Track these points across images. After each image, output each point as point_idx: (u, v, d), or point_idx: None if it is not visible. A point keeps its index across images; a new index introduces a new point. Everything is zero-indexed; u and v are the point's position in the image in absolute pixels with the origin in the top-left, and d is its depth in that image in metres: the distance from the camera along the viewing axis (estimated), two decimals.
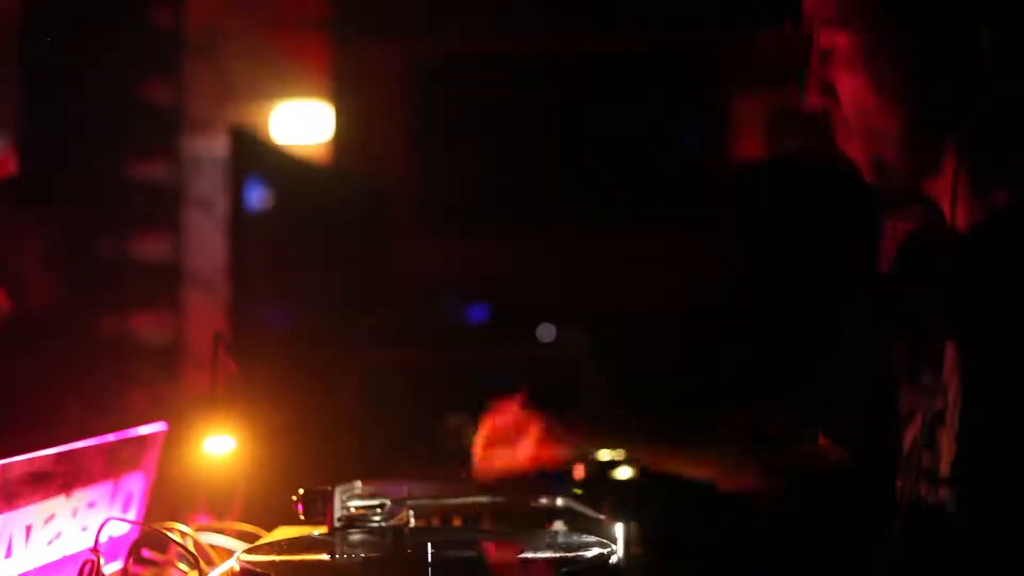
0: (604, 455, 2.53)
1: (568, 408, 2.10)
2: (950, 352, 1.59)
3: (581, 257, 6.57)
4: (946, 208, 1.62)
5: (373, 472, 1.96)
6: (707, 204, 6.56)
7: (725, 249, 5.83)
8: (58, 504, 1.83)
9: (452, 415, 2.96)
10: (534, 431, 2.01)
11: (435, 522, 1.90)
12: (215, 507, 2.13)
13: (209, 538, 1.89)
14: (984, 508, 1.54)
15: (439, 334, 5.40)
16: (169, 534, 1.77)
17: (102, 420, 3.92)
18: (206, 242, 5.29)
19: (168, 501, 2.12)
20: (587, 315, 5.70)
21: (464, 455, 2.64)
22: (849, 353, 1.89)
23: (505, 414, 2.06)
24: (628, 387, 4.49)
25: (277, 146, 6.20)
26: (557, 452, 2.01)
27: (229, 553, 1.89)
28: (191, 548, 1.78)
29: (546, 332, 5.38)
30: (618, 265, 6.52)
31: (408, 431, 3.29)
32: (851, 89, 1.61)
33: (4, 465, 1.65)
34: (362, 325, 5.17)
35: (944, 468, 1.59)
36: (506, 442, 2.03)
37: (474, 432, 2.42)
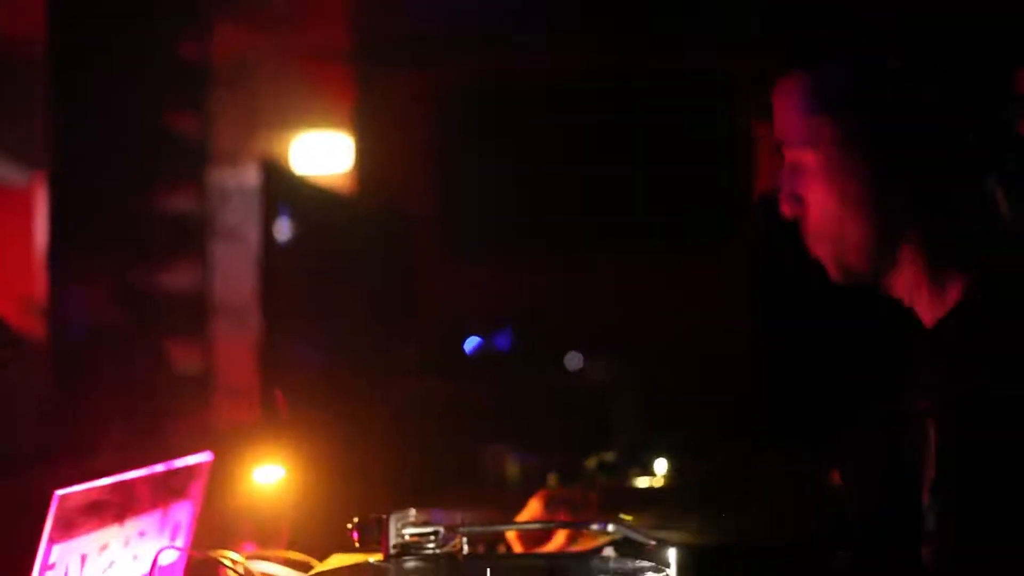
0: (643, 482, 2.55)
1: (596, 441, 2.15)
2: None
3: (607, 284, 6.57)
4: (908, 303, 1.79)
5: (413, 501, 1.98)
6: (738, 229, 6.55)
7: (752, 274, 5.83)
8: (112, 534, 1.84)
9: (490, 444, 2.98)
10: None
11: (480, 549, 1.91)
12: (261, 536, 2.14)
13: (260, 566, 1.90)
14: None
15: (466, 363, 5.41)
16: (223, 562, 1.79)
17: (138, 450, 3.96)
18: (234, 272, 5.32)
19: (214, 530, 2.14)
20: (614, 343, 5.70)
21: (503, 483, 2.66)
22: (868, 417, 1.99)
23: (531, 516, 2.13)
24: (654, 417, 4.51)
25: (305, 177, 6.23)
26: (585, 541, 2.08)
27: None
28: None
29: (573, 360, 5.38)
30: (645, 292, 6.51)
31: (446, 460, 3.30)
32: (818, 200, 1.79)
33: (63, 496, 1.66)
34: (391, 354, 5.18)
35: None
36: (538, 541, 2.10)
37: (512, 461, 2.45)
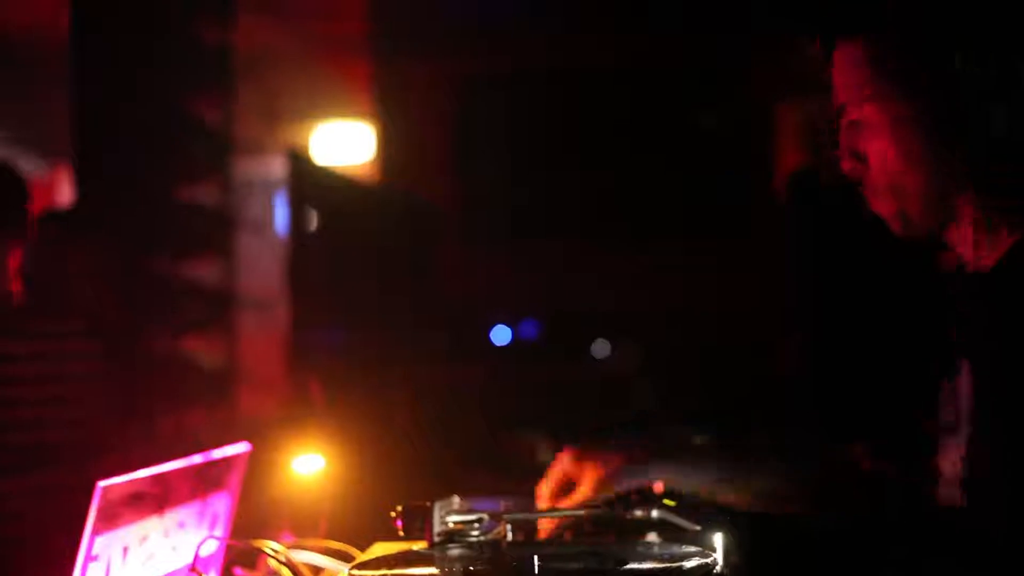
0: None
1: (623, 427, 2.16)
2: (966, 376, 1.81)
3: (631, 271, 6.56)
4: (966, 253, 1.85)
5: (450, 489, 1.97)
6: (758, 213, 6.54)
7: (774, 258, 5.81)
8: (152, 524, 1.84)
9: (523, 431, 2.97)
10: (589, 477, 2.11)
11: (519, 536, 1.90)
12: (299, 526, 2.13)
13: (300, 555, 1.89)
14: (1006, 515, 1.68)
15: (492, 351, 5.40)
16: (265, 551, 1.78)
17: (165, 443, 3.96)
18: (257, 264, 5.31)
19: (252, 521, 2.14)
20: (640, 330, 5.68)
21: (534, 469, 2.64)
22: (892, 365, 2.04)
23: (559, 470, 2.16)
24: (677, 404, 4.49)
25: (329, 167, 6.22)
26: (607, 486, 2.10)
27: (319, 570, 1.91)
28: (285, 565, 1.79)
29: (600, 348, 5.37)
30: (670, 279, 6.50)
31: (477, 447, 3.30)
32: (879, 154, 1.84)
33: (105, 487, 1.66)
34: (416, 343, 5.17)
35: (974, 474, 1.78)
36: (566, 493, 2.12)
37: (546, 447, 2.44)
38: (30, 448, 3.12)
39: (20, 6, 6.51)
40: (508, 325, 5.98)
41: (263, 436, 2.26)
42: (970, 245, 1.84)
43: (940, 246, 1.90)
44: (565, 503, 2.09)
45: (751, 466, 2.17)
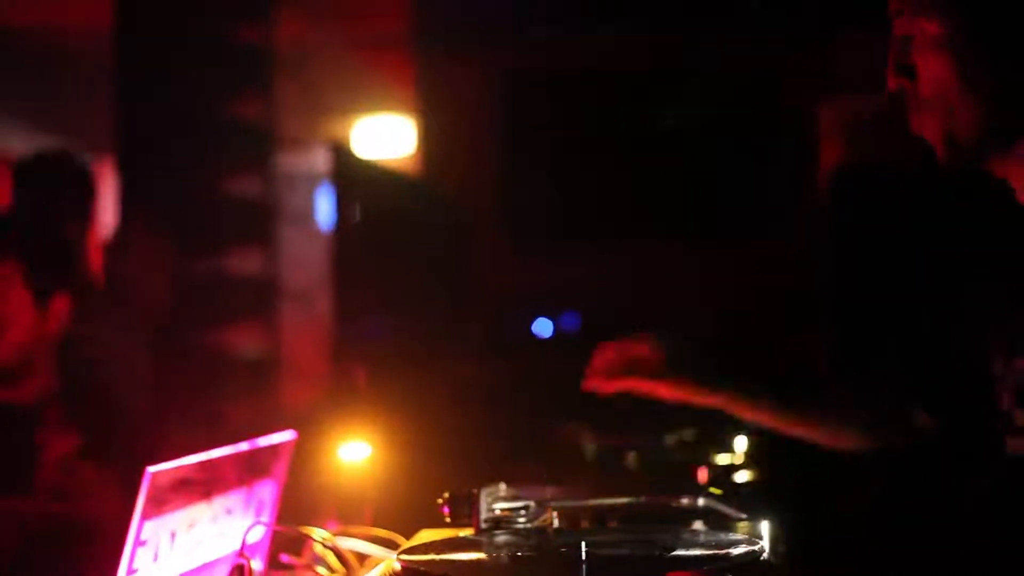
0: (723, 459, 2.54)
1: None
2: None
3: (671, 268, 6.55)
4: (1018, 187, 1.76)
5: (493, 477, 1.97)
6: (796, 213, 6.52)
7: (810, 258, 5.80)
8: (200, 511, 1.85)
9: (565, 421, 2.97)
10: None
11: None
12: (344, 514, 2.14)
13: (346, 542, 1.90)
14: None
15: (533, 343, 5.40)
16: (314, 538, 1.79)
17: (206, 430, 3.99)
18: (300, 256, 5.34)
19: (296, 508, 2.15)
20: (680, 325, 5.65)
21: (580, 461, 2.65)
22: (944, 320, 2.00)
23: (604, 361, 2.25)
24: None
25: (372, 161, 6.24)
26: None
27: (366, 557, 1.91)
28: (331, 551, 1.80)
29: None
30: (708, 276, 6.48)
31: (521, 438, 3.30)
32: (933, 72, 1.73)
33: (155, 473, 1.67)
34: (458, 334, 5.18)
35: None
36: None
37: (589, 439, 2.45)
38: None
39: (65, 6, 6.56)
40: (549, 317, 5.98)
41: (307, 424, 2.27)
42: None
43: (982, 178, 1.82)
44: (620, 382, 2.16)
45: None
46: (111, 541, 1.73)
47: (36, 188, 4.28)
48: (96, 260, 4.33)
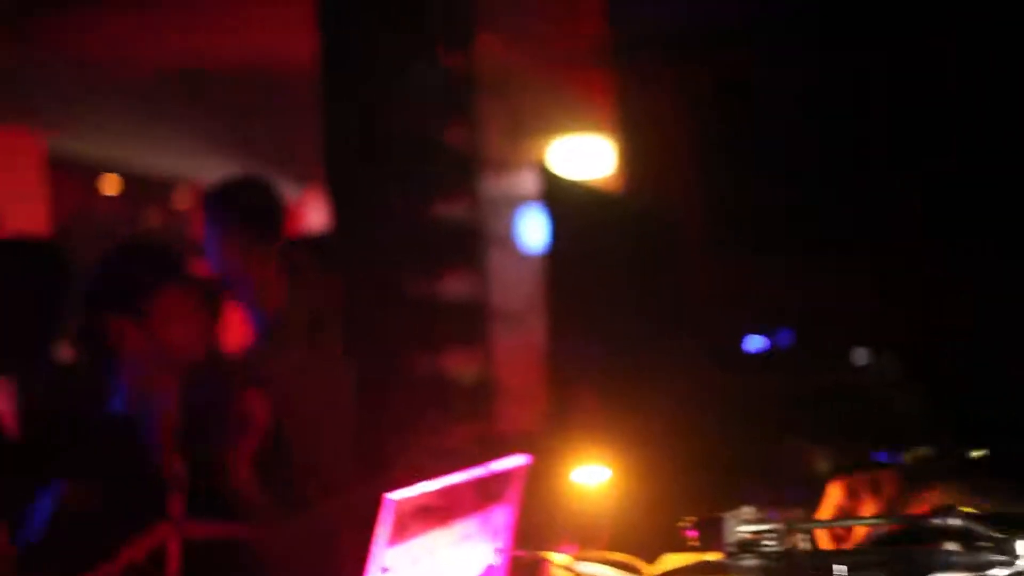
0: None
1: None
2: None
3: (889, 277, 6.38)
4: None
5: (726, 498, 1.93)
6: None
7: None
8: (438, 537, 1.86)
9: (790, 440, 2.92)
10: (868, 508, 2.02)
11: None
12: (580, 538, 2.12)
13: (586, 567, 1.89)
14: None
15: (747, 359, 5.34)
16: (554, 562, 1.78)
17: (433, 458, 4.02)
18: (509, 278, 5.35)
19: (531, 533, 2.14)
20: (900, 338, 5.52)
21: (802, 478, 2.59)
22: None
23: (834, 504, 2.06)
24: (945, 413, 4.33)
25: (577, 181, 6.25)
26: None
27: None
28: None
29: (858, 356, 5.23)
30: (932, 285, 6.29)
31: (748, 456, 3.26)
32: None
33: (398, 501, 1.68)
34: (672, 352, 5.15)
35: None
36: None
37: (812, 456, 2.38)
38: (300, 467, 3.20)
39: (271, 34, 6.72)
40: (761, 333, 5.89)
41: (531, 449, 2.26)
42: None
43: None
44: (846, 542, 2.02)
45: None
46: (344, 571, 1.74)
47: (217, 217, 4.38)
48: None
